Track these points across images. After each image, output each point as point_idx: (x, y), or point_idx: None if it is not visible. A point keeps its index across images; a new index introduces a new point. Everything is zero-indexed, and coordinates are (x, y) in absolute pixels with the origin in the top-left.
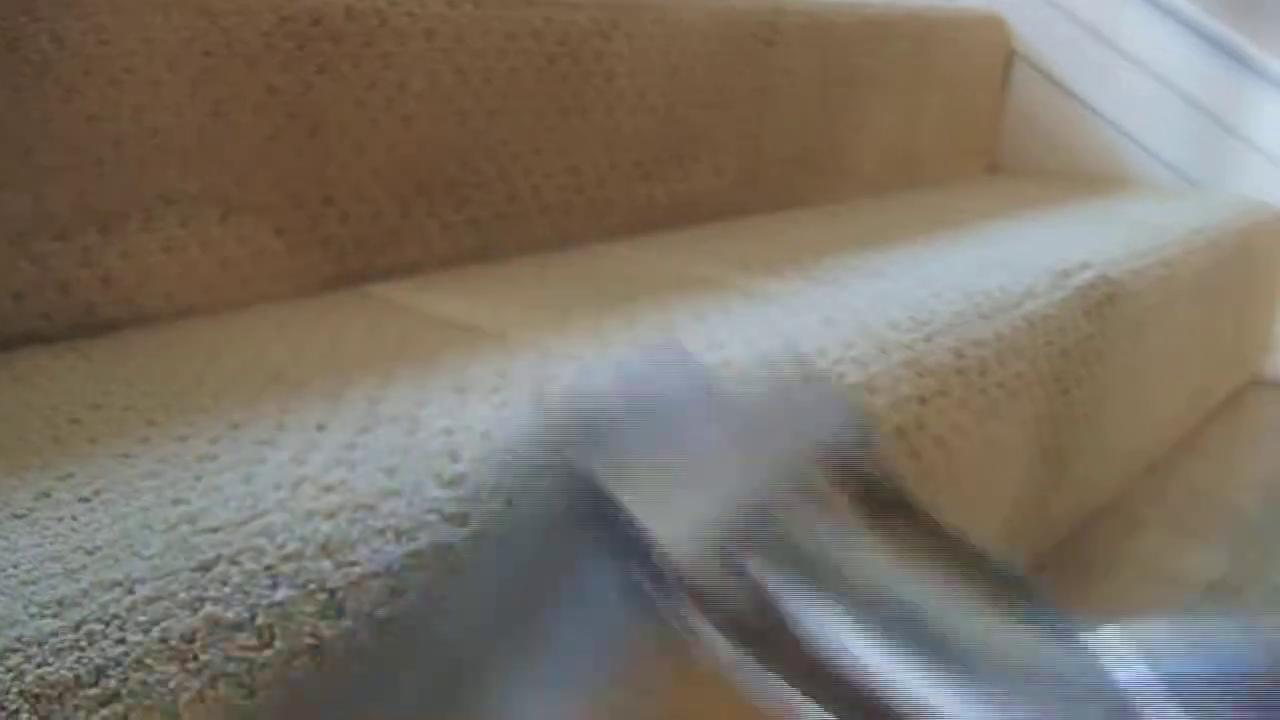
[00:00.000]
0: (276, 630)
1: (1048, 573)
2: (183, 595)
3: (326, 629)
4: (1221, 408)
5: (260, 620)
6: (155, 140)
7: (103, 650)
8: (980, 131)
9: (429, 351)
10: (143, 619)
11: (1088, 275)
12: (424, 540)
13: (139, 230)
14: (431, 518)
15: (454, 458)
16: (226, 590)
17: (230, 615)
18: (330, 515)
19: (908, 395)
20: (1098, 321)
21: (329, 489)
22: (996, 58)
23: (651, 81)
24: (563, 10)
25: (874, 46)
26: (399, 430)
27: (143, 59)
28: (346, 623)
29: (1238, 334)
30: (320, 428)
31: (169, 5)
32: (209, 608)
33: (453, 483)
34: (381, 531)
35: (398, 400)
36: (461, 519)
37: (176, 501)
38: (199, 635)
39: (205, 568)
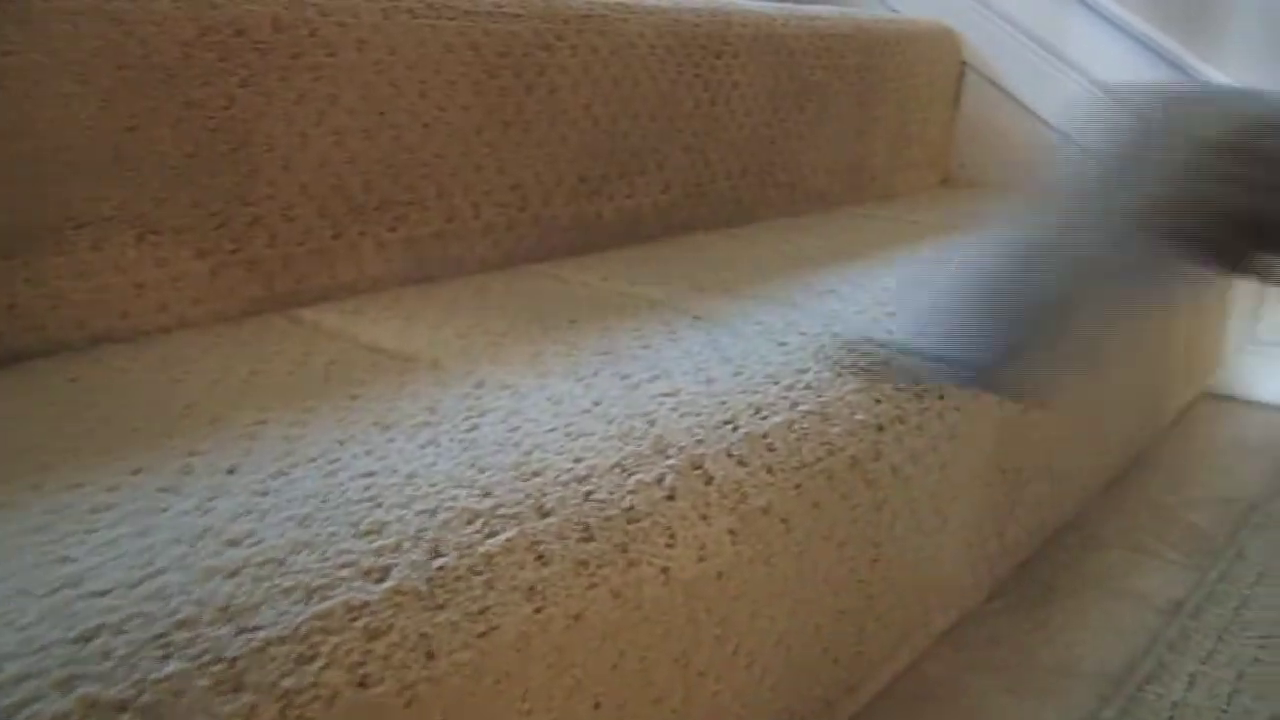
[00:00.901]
0: (164, 711)
1: (1010, 595)
2: (56, 673)
3: (222, 705)
4: (1176, 422)
5: (145, 699)
6: (65, 158)
7: None
8: (933, 144)
9: (356, 382)
10: (6, 703)
11: None
12: (336, 599)
13: (48, 254)
14: (345, 573)
15: (374, 503)
16: (108, 665)
17: (110, 695)
18: (233, 573)
19: (864, 422)
20: None
21: (234, 542)
22: (948, 70)
23: (596, 95)
24: (503, 21)
25: (824, 59)
26: (317, 473)
27: (50, 72)
28: (246, 697)
29: (1189, 347)
30: (231, 471)
31: (78, 14)
32: (85, 687)
33: (371, 532)
34: (289, 590)
35: (318, 438)
36: (380, 573)
37: (62, 560)
38: None
39: (85, 639)
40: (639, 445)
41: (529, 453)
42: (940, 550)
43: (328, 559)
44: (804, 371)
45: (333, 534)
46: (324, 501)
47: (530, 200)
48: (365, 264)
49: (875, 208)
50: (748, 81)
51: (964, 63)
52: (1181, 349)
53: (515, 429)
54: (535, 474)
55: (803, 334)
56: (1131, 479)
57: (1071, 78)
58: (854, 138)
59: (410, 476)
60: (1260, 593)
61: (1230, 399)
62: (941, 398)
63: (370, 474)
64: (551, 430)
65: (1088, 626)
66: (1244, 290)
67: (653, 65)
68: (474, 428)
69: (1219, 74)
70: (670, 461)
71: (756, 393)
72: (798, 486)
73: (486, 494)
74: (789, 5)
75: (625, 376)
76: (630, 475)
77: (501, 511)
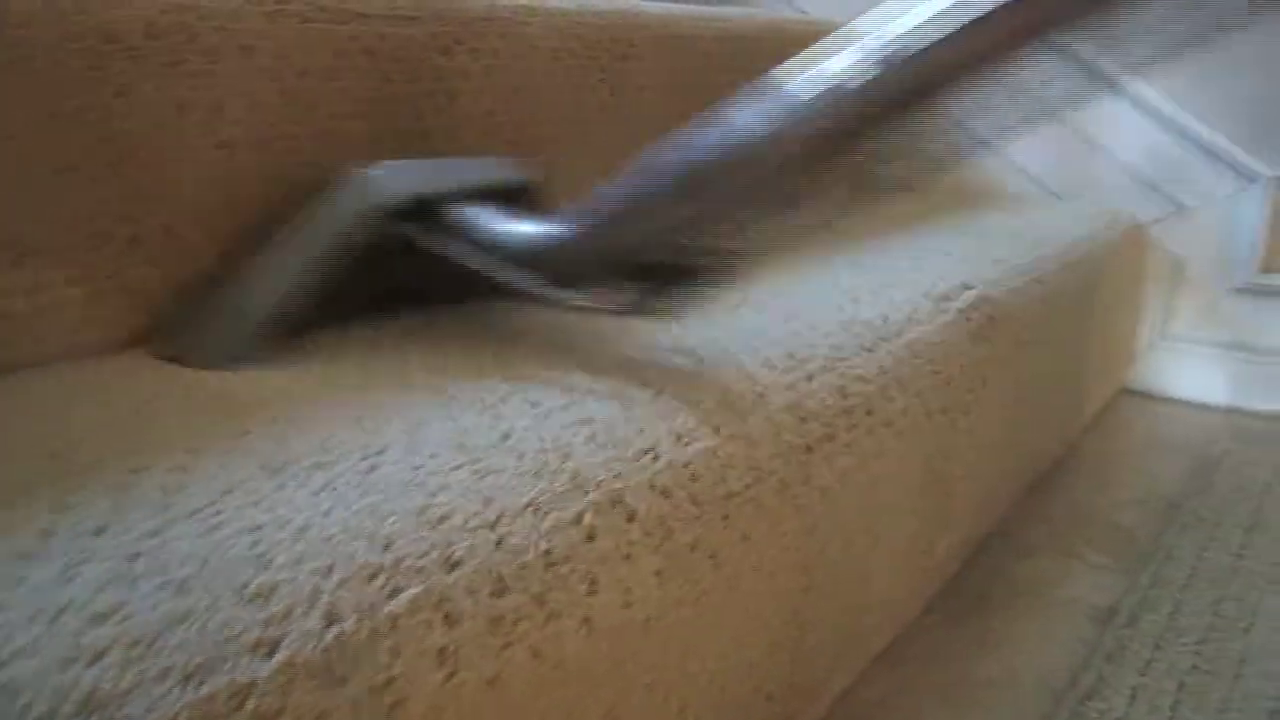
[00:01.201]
0: None
1: (943, 609)
2: None
3: None
4: (1095, 421)
5: None
6: None
7: None
8: None
9: (244, 420)
10: None
11: (969, 297)
12: (220, 680)
13: None
14: (229, 649)
15: (262, 563)
16: None
17: None
18: (97, 656)
19: (791, 444)
20: (982, 345)
21: (100, 617)
22: None
23: (498, 101)
24: (399, 25)
25: (733, 62)
26: (197, 529)
27: None
28: None
29: (1107, 345)
30: (100, 531)
31: None
32: None
33: (258, 598)
34: (164, 674)
35: (200, 487)
36: (269, 646)
37: None
38: None
39: None
40: (554, 481)
41: (434, 495)
42: (873, 570)
43: (209, 633)
44: (725, 391)
45: (214, 602)
46: (205, 563)
47: None
48: None
49: None
50: (655, 85)
51: None
52: (1098, 347)
53: (418, 468)
54: (442, 519)
55: (720, 351)
56: (1055, 481)
57: None
58: None
59: (303, 529)
60: (1191, 597)
61: (1146, 396)
62: (870, 414)
63: (258, 528)
64: (458, 468)
65: (1024, 638)
66: (1155, 286)
67: (557, 70)
68: (373, 468)
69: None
70: (589, 498)
71: (676, 415)
72: (725, 518)
73: (388, 546)
74: (696, 6)
75: (536, 404)
76: (546, 516)
77: (405, 565)
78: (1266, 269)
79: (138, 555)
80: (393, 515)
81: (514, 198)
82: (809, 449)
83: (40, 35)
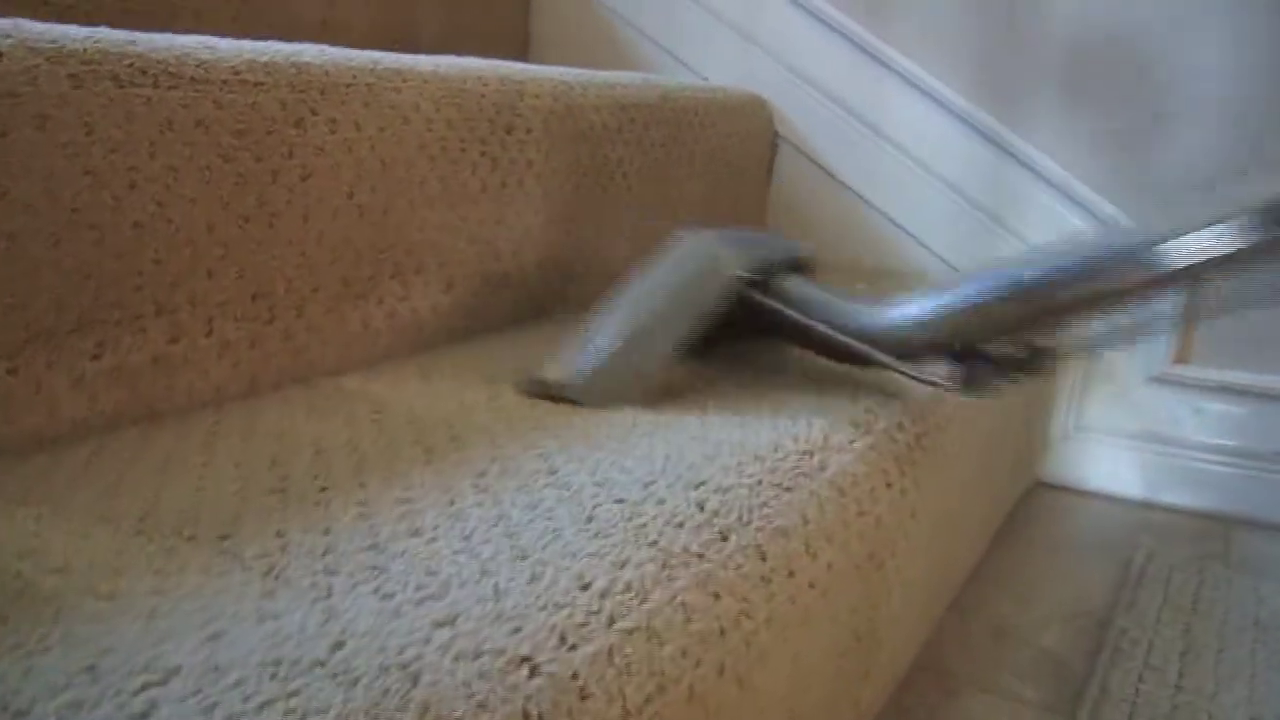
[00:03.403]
0: None
1: None
2: None
3: None
4: (1010, 518)
5: None
6: None
7: None
8: (746, 221)
9: None
10: None
11: (894, 409)
12: None
13: None
14: None
15: None
16: None
17: None
18: None
19: (703, 632)
20: (910, 471)
21: None
22: (760, 142)
23: (361, 180)
24: (242, 91)
25: (627, 133)
26: None
27: None
28: None
29: (1026, 439)
30: None
31: None
32: None
33: None
34: None
35: None
36: None
37: None
38: None
39: None
40: None
41: None
42: None
43: None
44: (622, 565)
45: None
46: None
47: (279, 310)
48: (58, 405)
49: None
50: (543, 159)
51: (777, 134)
52: (1020, 441)
53: (210, 707)
54: None
55: (619, 500)
56: (974, 595)
57: (887, 151)
58: (661, 218)
59: None
60: None
61: (1060, 488)
62: (791, 575)
63: None
64: (266, 706)
65: None
66: (1068, 375)
67: (431, 143)
68: (151, 707)
69: (1028, 144)
70: None
71: (561, 607)
72: None
73: None
74: (587, 72)
75: (386, 595)
76: None
77: None
78: (1179, 359)
79: None
80: None
81: (804, 268)
82: (723, 631)
83: None
